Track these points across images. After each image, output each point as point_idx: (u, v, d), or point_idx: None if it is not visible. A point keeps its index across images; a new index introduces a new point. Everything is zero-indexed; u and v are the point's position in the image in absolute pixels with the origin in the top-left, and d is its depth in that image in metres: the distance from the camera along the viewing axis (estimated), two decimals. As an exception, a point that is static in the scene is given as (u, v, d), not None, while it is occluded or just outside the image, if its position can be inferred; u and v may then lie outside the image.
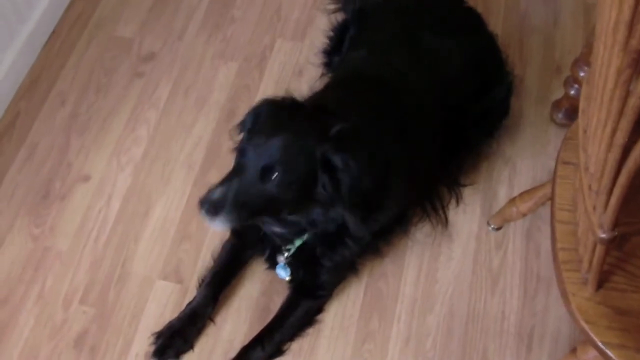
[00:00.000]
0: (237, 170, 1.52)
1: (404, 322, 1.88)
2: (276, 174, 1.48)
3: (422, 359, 1.83)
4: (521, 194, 1.88)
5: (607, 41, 0.97)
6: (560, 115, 2.16)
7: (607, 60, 0.97)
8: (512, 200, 1.90)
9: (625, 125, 0.92)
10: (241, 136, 1.65)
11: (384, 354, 1.84)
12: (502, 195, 2.07)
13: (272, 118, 1.57)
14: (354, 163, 1.50)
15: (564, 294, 1.31)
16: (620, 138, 0.94)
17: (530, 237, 1.99)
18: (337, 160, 1.50)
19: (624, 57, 0.89)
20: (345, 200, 1.54)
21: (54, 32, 2.45)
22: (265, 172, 1.49)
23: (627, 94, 0.91)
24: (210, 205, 1.49)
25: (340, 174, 1.51)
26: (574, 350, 1.48)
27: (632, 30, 0.84)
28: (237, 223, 1.55)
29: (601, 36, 1.02)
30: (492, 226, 2.00)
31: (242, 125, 1.66)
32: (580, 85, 2.03)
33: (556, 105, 2.18)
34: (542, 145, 2.16)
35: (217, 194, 1.49)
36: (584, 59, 1.98)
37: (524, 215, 1.90)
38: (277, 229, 1.67)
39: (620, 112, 0.93)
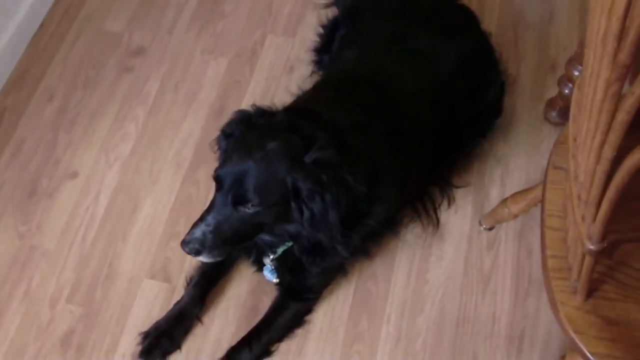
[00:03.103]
0: (214, 203, 1.53)
1: (394, 323, 1.86)
2: (250, 203, 1.49)
3: (412, 360, 1.81)
4: (513, 195, 1.85)
5: (597, 51, 0.94)
6: (554, 114, 2.13)
7: (597, 70, 0.95)
8: (503, 201, 1.88)
9: (614, 139, 0.89)
10: (217, 155, 1.66)
11: (373, 355, 1.82)
12: (494, 195, 2.04)
13: (243, 142, 1.54)
14: (320, 197, 1.48)
15: (553, 303, 1.30)
16: (609, 152, 0.92)
17: (522, 238, 1.97)
18: (304, 191, 1.48)
19: (612, 70, 0.86)
20: (307, 229, 1.54)
21: (41, 25, 2.41)
22: (239, 202, 1.49)
23: (615, 108, 0.88)
24: (192, 246, 1.53)
25: (305, 206, 1.50)
26: (562, 358, 1.46)
27: (620, 43, 0.82)
28: (222, 255, 1.59)
29: (591, 44, 1.00)
30: (484, 226, 1.98)
31: (217, 142, 1.65)
32: (574, 84, 2.00)
33: (550, 104, 2.15)
34: (536, 144, 2.13)
35: (197, 233, 1.53)
36: (579, 58, 1.96)
37: (516, 216, 1.88)
38: (264, 237, 1.65)
39: (609, 125, 0.91)
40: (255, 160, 1.48)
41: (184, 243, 1.54)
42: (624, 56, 0.81)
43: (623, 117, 0.84)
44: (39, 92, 2.27)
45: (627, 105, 0.81)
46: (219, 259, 1.59)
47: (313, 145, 1.50)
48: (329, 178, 1.47)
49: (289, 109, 1.71)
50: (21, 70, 2.31)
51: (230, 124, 1.61)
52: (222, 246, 1.54)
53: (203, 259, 1.56)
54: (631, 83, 0.84)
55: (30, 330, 1.86)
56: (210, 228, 1.51)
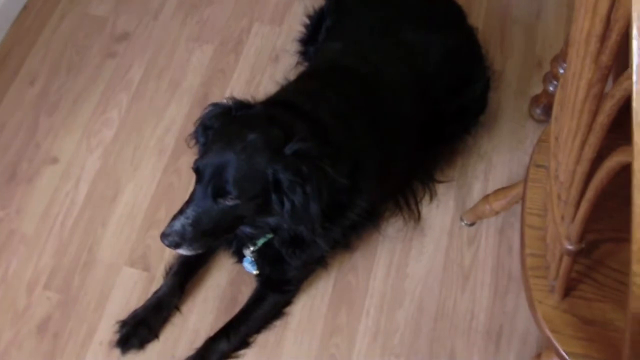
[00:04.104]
0: (194, 195, 1.52)
1: (373, 316, 1.86)
2: (229, 196, 1.47)
3: (390, 354, 1.81)
4: (495, 192, 1.85)
5: (580, 51, 0.94)
6: (538, 111, 2.13)
7: (579, 70, 0.94)
8: (485, 198, 1.88)
9: (594, 141, 0.89)
10: (196, 148, 1.65)
11: (351, 348, 1.82)
12: (477, 190, 2.04)
13: (223, 134, 1.53)
14: (301, 188, 1.47)
15: (530, 301, 1.29)
16: (589, 153, 0.91)
17: (503, 234, 1.97)
18: (285, 183, 1.47)
19: (595, 71, 0.86)
20: (288, 221, 1.53)
21: (24, 7, 2.38)
22: (219, 194, 1.48)
23: (597, 109, 0.87)
24: (172, 239, 1.51)
25: (286, 197, 1.49)
26: (538, 356, 1.46)
27: (603, 45, 0.81)
28: (202, 248, 1.58)
29: (574, 44, 0.99)
30: (465, 222, 1.98)
31: (195, 136, 1.64)
32: (559, 82, 1.99)
33: (535, 100, 2.15)
34: (519, 140, 2.13)
35: (177, 226, 1.51)
36: (564, 55, 1.95)
37: (497, 212, 1.87)
38: (245, 229, 1.64)
39: (590, 127, 0.90)
40: (235, 152, 1.47)
41: (164, 236, 1.52)
42: (606, 57, 0.80)
43: (603, 119, 0.83)
44: (20, 75, 2.24)
45: (607, 107, 0.81)
46: (199, 251, 1.58)
47: (293, 137, 1.48)
48: (309, 169, 1.46)
49: (271, 100, 1.70)
50: (3, 53, 2.28)
51: (209, 117, 1.59)
52: (202, 239, 1.52)
53: (183, 251, 1.55)
54: (614, 84, 0.84)
55: (7, 316, 1.84)
56: (190, 221, 1.50)
